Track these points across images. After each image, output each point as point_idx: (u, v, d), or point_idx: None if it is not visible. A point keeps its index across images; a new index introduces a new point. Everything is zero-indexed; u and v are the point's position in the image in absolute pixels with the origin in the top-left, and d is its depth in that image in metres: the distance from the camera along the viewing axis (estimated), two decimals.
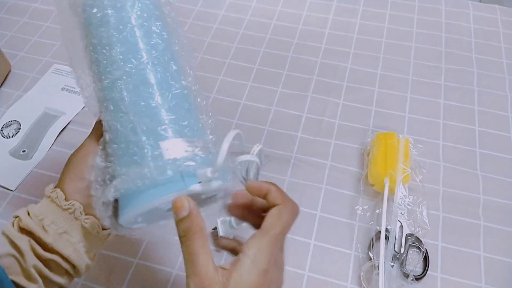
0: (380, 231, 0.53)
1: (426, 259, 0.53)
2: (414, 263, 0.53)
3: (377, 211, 0.57)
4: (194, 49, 0.78)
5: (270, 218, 0.33)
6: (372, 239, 0.54)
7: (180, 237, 0.32)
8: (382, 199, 0.56)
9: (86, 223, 0.38)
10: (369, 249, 0.54)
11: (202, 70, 0.75)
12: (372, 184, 0.59)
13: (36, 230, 0.36)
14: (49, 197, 0.38)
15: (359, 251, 0.54)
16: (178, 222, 0.31)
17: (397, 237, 0.54)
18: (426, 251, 0.53)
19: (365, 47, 0.79)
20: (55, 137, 0.65)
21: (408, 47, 0.79)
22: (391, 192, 0.56)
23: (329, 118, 0.68)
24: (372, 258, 0.53)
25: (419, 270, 0.53)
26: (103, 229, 0.39)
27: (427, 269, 0.52)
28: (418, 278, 0.52)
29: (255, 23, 0.83)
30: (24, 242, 0.36)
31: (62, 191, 0.38)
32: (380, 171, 0.57)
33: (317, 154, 0.64)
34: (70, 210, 0.37)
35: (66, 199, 0.37)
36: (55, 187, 0.39)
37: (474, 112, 0.69)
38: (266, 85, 0.73)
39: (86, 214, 0.38)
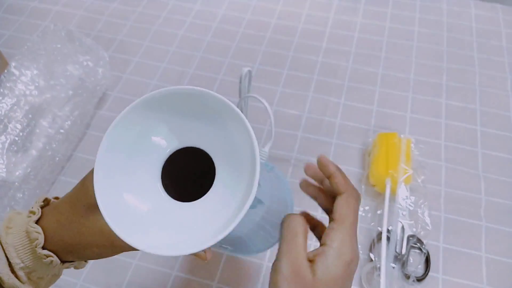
0: (381, 232, 0.53)
1: (427, 260, 0.53)
2: (415, 264, 0.53)
3: (378, 212, 0.56)
4: (193, 48, 0.77)
5: (341, 208, 0.33)
6: (373, 240, 0.54)
7: (283, 221, 0.34)
8: (384, 200, 0.55)
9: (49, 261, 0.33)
10: (370, 250, 0.53)
11: (202, 69, 0.75)
12: (374, 185, 0.59)
13: None
14: (26, 231, 0.33)
15: (360, 252, 0.54)
16: None
17: (398, 238, 0.53)
18: (428, 252, 0.53)
19: (366, 46, 0.78)
20: None
21: (410, 46, 0.78)
22: (393, 193, 0.56)
23: (330, 118, 0.68)
24: (373, 259, 0.52)
25: (420, 271, 0.52)
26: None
27: (429, 270, 0.52)
28: (419, 279, 0.51)
29: (255, 22, 0.83)
30: None
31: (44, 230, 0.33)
32: (381, 171, 0.57)
33: (318, 154, 0.63)
34: (45, 260, 0.33)
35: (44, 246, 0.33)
36: (41, 215, 0.34)
37: (476, 112, 0.69)
38: (267, 84, 0.72)
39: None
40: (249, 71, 0.39)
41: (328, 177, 0.36)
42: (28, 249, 0.32)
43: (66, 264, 0.35)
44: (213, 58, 0.76)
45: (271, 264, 0.52)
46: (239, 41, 0.79)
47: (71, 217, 0.33)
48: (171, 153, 0.28)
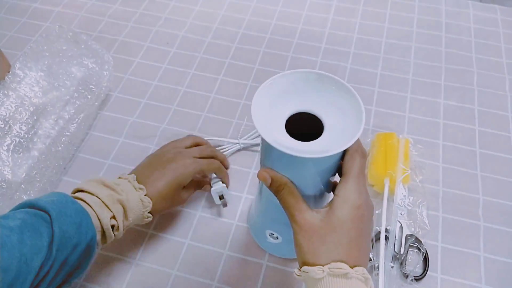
0: (380, 232, 0.53)
1: (426, 260, 0.53)
2: (414, 263, 0.53)
3: (377, 211, 0.57)
4: (194, 49, 0.78)
5: (347, 162, 0.37)
6: (372, 240, 0.54)
7: (276, 196, 0.38)
8: (382, 199, 0.56)
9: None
10: None
11: (202, 70, 0.75)
12: (372, 185, 0.59)
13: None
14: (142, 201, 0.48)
15: None
16: (269, 187, 0.39)
17: (397, 238, 0.54)
18: (426, 251, 0.53)
19: (365, 47, 0.79)
20: None
21: (408, 47, 0.79)
22: (391, 192, 0.56)
23: None
24: (372, 258, 0.53)
25: (419, 270, 0.53)
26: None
27: (427, 269, 0.52)
28: (418, 279, 0.52)
29: (255, 23, 0.83)
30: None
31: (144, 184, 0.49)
32: (380, 171, 0.57)
33: None
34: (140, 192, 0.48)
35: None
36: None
37: (474, 112, 0.69)
38: None
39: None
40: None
41: None
42: (140, 213, 0.47)
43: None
44: (213, 59, 0.77)
45: (271, 264, 0.53)
46: (239, 42, 0.80)
47: (167, 193, 0.50)
48: (292, 113, 0.38)
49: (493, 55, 0.77)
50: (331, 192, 0.40)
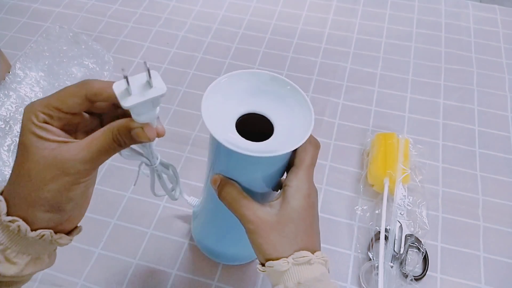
0: (379, 232, 0.53)
1: (425, 260, 0.53)
2: (413, 263, 0.53)
3: (376, 211, 0.57)
4: (194, 49, 0.78)
5: (299, 154, 0.37)
6: (371, 240, 0.54)
7: (222, 200, 0.38)
8: (382, 199, 0.56)
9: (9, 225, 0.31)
10: (368, 249, 0.54)
11: (201, 70, 0.75)
12: (372, 185, 0.59)
13: None
14: None
15: (359, 251, 0.54)
16: (217, 192, 0.38)
17: (396, 238, 0.54)
18: (426, 251, 0.53)
19: (365, 47, 0.79)
20: None
21: (408, 47, 0.79)
22: (391, 192, 0.57)
23: (329, 118, 0.68)
24: (371, 258, 0.53)
25: (418, 270, 0.53)
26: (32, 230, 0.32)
27: (427, 269, 0.52)
28: (417, 279, 0.52)
29: (255, 23, 0.83)
30: None
31: (25, 218, 0.31)
32: (379, 171, 0.57)
33: None
34: (40, 240, 0.32)
35: (33, 228, 0.31)
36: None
37: (474, 112, 0.69)
38: None
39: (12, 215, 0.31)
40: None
41: None
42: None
43: (42, 234, 0.31)
44: (213, 59, 0.77)
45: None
46: (239, 42, 0.80)
47: (20, 171, 0.31)
48: (243, 113, 0.38)
49: (493, 55, 0.78)
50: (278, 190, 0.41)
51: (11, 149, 0.55)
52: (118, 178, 0.61)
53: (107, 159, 0.32)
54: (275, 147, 0.36)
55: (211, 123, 0.35)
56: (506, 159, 0.64)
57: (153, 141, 0.33)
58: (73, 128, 0.33)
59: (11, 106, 0.58)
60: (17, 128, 0.57)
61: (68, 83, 0.63)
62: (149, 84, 0.29)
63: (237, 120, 0.38)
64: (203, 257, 0.54)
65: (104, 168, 0.62)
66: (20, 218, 0.31)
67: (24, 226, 0.30)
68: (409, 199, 0.57)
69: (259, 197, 0.40)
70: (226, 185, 0.38)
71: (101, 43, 0.74)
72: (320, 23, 0.83)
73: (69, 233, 0.35)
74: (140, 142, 0.32)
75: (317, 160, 0.64)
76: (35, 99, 0.59)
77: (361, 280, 0.52)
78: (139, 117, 0.30)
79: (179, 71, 0.75)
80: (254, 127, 0.38)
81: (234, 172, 0.38)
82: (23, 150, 0.30)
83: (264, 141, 0.37)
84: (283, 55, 0.77)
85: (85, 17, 0.84)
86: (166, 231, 0.56)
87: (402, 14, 0.85)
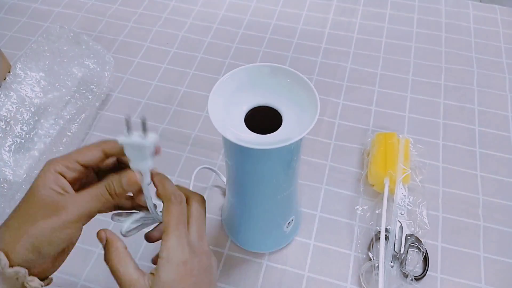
0: (380, 231, 0.53)
1: (425, 259, 0.53)
2: (413, 263, 0.53)
3: (377, 211, 0.57)
4: (194, 49, 0.78)
5: (164, 218, 0.35)
6: (372, 239, 0.54)
7: (106, 260, 0.34)
8: (382, 199, 0.56)
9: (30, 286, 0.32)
10: (368, 249, 0.54)
11: (201, 70, 0.75)
12: (372, 184, 0.59)
13: None
14: None
15: (359, 251, 0.54)
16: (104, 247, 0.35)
17: (397, 237, 0.54)
18: (426, 251, 0.53)
19: (365, 46, 0.79)
20: None
21: (408, 47, 0.79)
22: (391, 192, 0.57)
23: (329, 118, 0.68)
24: (371, 258, 0.53)
25: (418, 270, 0.53)
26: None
27: (427, 269, 0.52)
28: (417, 278, 0.52)
29: (255, 23, 0.83)
30: None
31: (6, 252, 0.31)
32: (380, 171, 0.57)
33: (317, 154, 0.64)
34: (14, 277, 0.31)
35: (11, 264, 0.31)
36: None
37: (474, 112, 0.69)
38: None
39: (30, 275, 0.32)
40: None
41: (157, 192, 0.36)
42: None
43: (18, 271, 0.32)
44: (213, 59, 0.77)
45: (271, 264, 0.53)
46: (239, 42, 0.80)
47: (20, 207, 0.33)
48: (251, 107, 0.40)
49: (493, 55, 0.78)
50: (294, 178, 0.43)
51: (12, 149, 0.55)
52: None
53: (97, 210, 0.34)
54: (284, 137, 0.37)
55: (220, 125, 0.36)
56: (506, 159, 0.64)
57: (146, 184, 0.34)
58: (78, 182, 0.35)
59: (12, 106, 0.58)
60: (17, 128, 0.57)
61: (69, 83, 0.63)
62: (145, 135, 0.32)
63: (246, 115, 0.39)
64: None
65: None
66: (2, 251, 0.31)
67: (4, 260, 0.31)
68: (409, 199, 0.57)
69: (273, 188, 0.42)
70: (112, 246, 0.34)
71: (101, 43, 0.74)
72: (320, 23, 0.83)
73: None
74: (130, 190, 0.34)
75: (318, 160, 0.64)
76: (35, 99, 0.59)
77: (361, 280, 0.52)
78: (132, 164, 0.33)
79: (179, 71, 0.75)
80: (264, 119, 0.39)
81: (243, 165, 0.40)
82: (29, 191, 0.33)
83: (273, 133, 0.38)
84: (283, 55, 0.77)
85: (85, 17, 0.84)
86: None
87: (402, 14, 0.85)
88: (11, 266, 0.31)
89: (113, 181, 0.34)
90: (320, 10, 0.86)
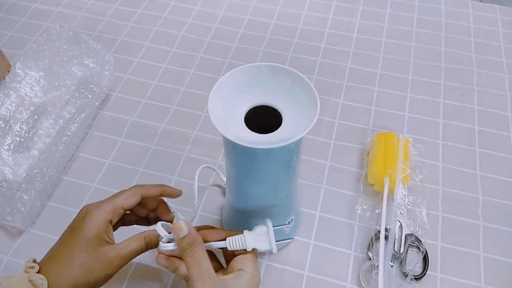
0: (379, 231, 0.53)
1: (425, 259, 0.53)
2: (413, 263, 0.53)
3: (376, 211, 0.57)
4: (194, 49, 0.78)
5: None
6: (371, 239, 0.54)
7: (184, 250, 0.38)
8: (382, 199, 0.56)
9: None
10: (368, 249, 0.54)
11: (201, 70, 0.75)
12: (372, 184, 0.59)
13: None
14: (31, 281, 0.34)
15: (359, 251, 0.54)
16: (181, 239, 0.37)
17: (396, 237, 0.54)
18: (426, 251, 0.53)
19: (365, 46, 0.79)
20: None
21: (408, 47, 0.79)
22: (391, 192, 0.57)
23: (329, 117, 0.68)
24: (371, 258, 0.53)
25: (418, 270, 0.53)
26: None
27: (427, 269, 0.52)
28: (417, 278, 0.52)
29: (255, 23, 0.83)
30: None
31: (47, 278, 0.35)
32: (379, 171, 0.57)
33: (317, 154, 0.64)
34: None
35: None
36: (39, 268, 0.36)
37: (474, 111, 0.69)
38: None
39: None
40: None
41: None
42: None
43: None
44: (213, 59, 0.77)
45: (270, 264, 0.53)
46: (239, 42, 0.80)
47: (72, 254, 0.37)
48: (251, 107, 0.40)
49: (493, 55, 0.78)
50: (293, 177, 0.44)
51: (11, 148, 0.55)
52: (119, 177, 0.61)
53: (135, 257, 0.41)
54: (284, 136, 0.37)
55: (220, 125, 0.36)
56: (506, 159, 0.64)
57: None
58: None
59: (11, 106, 0.58)
60: (17, 128, 0.57)
61: (68, 83, 0.63)
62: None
63: (246, 115, 0.40)
64: None
65: (104, 168, 0.62)
66: (47, 280, 0.35)
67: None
68: (409, 198, 0.57)
69: (273, 188, 0.42)
70: (195, 239, 0.38)
71: (101, 43, 0.74)
72: (320, 23, 0.83)
73: None
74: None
75: (318, 160, 0.64)
76: (35, 99, 0.59)
77: (361, 280, 0.52)
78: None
79: (179, 71, 0.75)
80: (263, 118, 0.39)
81: (244, 165, 0.40)
82: (80, 233, 0.38)
83: (273, 132, 0.38)
84: (283, 54, 0.77)
85: (85, 17, 0.84)
86: None
87: (402, 14, 0.85)
88: None
89: (150, 236, 0.41)
90: (320, 10, 0.86)
